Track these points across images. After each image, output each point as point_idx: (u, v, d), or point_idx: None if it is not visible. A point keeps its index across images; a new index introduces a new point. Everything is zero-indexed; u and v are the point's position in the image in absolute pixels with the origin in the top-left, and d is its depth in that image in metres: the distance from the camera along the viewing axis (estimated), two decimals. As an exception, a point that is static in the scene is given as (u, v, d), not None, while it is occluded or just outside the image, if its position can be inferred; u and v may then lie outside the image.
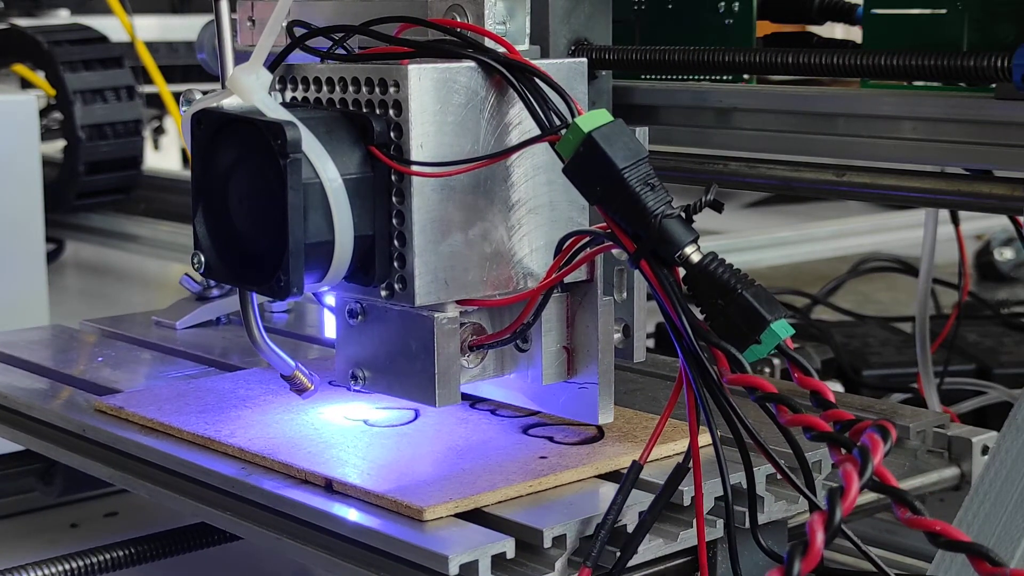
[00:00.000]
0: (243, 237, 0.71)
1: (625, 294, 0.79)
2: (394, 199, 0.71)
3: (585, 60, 0.76)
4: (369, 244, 0.71)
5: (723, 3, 0.94)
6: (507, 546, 0.65)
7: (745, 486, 0.68)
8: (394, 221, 0.71)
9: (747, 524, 0.69)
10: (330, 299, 0.78)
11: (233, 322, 1.10)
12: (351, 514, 0.69)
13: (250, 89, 0.70)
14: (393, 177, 0.71)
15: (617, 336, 0.78)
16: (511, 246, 0.74)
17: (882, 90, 0.85)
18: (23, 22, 1.98)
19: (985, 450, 0.85)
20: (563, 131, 0.67)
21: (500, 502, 0.69)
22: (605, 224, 0.67)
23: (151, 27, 2.25)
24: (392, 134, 0.70)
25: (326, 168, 0.68)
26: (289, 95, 0.75)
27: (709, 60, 0.84)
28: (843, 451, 0.58)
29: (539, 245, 0.75)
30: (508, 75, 0.70)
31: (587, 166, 0.66)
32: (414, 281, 0.71)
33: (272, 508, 0.73)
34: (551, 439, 0.77)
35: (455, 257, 0.72)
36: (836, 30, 1.02)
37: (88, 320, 1.11)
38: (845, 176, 0.85)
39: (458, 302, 0.73)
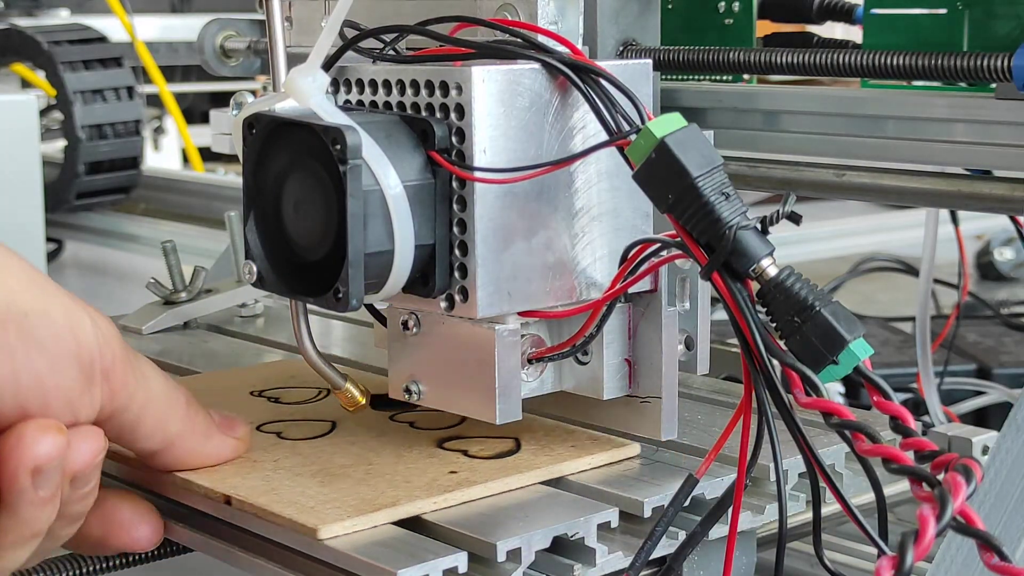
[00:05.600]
0: (298, 246, 0.68)
1: (687, 304, 0.76)
2: (455, 207, 0.68)
3: (650, 61, 0.73)
4: (429, 254, 0.68)
5: (723, 3, 0.93)
6: (422, 568, 0.62)
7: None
8: (455, 230, 0.68)
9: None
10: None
11: (200, 327, 1.07)
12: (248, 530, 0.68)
13: (307, 92, 0.67)
14: (454, 184, 0.68)
15: (680, 348, 0.76)
16: (574, 255, 0.71)
17: (881, 90, 0.84)
18: (23, 22, 1.98)
19: (985, 450, 0.84)
20: (633, 136, 0.64)
21: (401, 520, 0.67)
22: (672, 232, 0.65)
23: (151, 27, 2.24)
24: (453, 139, 0.67)
25: (387, 175, 0.66)
26: (342, 98, 0.72)
27: (709, 60, 0.83)
28: (925, 486, 0.56)
29: (602, 254, 0.72)
30: (574, 77, 0.67)
31: (659, 173, 0.63)
32: (476, 292, 0.68)
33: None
34: (465, 452, 0.74)
35: (517, 267, 0.69)
36: (836, 30, 1.00)
37: None
38: (845, 176, 0.84)
39: (519, 313, 0.70)
